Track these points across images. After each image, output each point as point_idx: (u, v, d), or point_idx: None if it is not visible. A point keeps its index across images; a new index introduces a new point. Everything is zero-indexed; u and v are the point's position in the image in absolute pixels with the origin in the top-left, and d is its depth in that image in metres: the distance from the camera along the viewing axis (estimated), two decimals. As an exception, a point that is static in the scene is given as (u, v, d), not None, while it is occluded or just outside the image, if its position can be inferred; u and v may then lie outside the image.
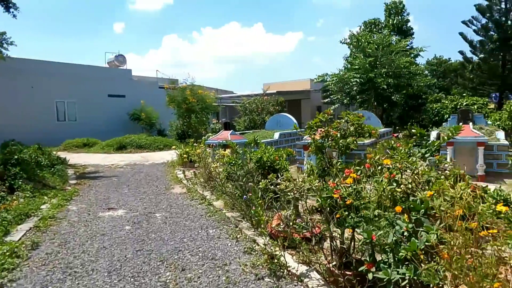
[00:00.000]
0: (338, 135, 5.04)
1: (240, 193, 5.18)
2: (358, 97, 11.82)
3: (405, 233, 2.27)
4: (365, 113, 10.53)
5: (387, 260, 2.37)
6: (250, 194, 4.77)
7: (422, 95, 12.34)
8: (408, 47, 12.94)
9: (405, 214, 2.51)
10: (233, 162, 5.98)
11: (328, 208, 3.16)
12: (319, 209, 4.75)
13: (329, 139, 5.11)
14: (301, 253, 3.70)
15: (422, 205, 2.42)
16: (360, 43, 12.18)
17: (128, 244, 4.26)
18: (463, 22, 17.50)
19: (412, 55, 12.39)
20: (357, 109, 12.50)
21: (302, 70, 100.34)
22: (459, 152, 7.72)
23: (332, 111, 6.49)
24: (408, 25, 16.33)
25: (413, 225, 2.32)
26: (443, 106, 11.71)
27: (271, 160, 5.82)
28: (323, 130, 5.19)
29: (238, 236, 4.40)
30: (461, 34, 17.55)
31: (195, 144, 10.72)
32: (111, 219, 5.32)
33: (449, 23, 62.89)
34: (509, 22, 15.70)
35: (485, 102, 11.51)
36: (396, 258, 2.27)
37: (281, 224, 4.24)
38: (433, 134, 8.89)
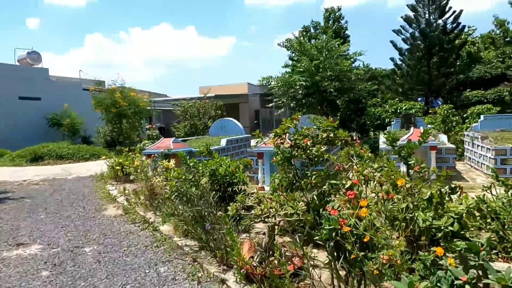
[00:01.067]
0: (309, 143, 4.40)
1: (195, 216, 4.25)
2: (304, 100, 11.50)
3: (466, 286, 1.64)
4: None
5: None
6: (209, 219, 3.89)
7: (362, 99, 12.53)
8: (345, 53, 13.03)
9: (448, 257, 1.89)
10: (183, 177, 5.01)
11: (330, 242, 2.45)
12: (290, 230, 4.06)
13: (298, 148, 4.45)
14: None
15: (483, 245, 1.81)
16: (303, 46, 11.95)
17: (46, 301, 3.08)
18: (394, 31, 18.67)
19: (352, 59, 12.49)
20: (306, 113, 12.21)
21: (236, 74, 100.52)
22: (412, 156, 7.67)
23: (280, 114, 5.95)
24: (345, 32, 16.73)
25: (474, 274, 1.70)
26: (383, 110, 12.04)
27: (229, 173, 4.98)
28: (284, 138, 4.52)
29: (200, 275, 3.47)
30: (392, 42, 18.69)
31: (129, 153, 9.41)
32: (21, 262, 3.98)
33: (380, 34, 67.49)
34: (433, 33, 17.04)
35: (421, 107, 12.10)
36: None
37: (255, 256, 3.43)
38: (382, 138, 8.82)
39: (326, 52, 11.66)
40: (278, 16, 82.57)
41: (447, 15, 18.05)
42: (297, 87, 11.85)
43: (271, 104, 12.59)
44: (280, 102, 12.40)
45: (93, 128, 17.78)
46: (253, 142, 10.37)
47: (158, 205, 5.61)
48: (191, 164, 5.35)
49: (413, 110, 11.66)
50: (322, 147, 4.25)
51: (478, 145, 8.48)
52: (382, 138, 8.77)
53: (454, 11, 17.98)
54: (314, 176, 4.12)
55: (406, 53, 17.72)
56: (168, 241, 4.44)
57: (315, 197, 4.06)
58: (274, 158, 4.78)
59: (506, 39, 21.64)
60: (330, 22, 18.64)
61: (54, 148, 13.73)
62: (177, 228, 4.72)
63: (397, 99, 12.99)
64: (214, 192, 4.84)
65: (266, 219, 3.40)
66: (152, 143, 11.24)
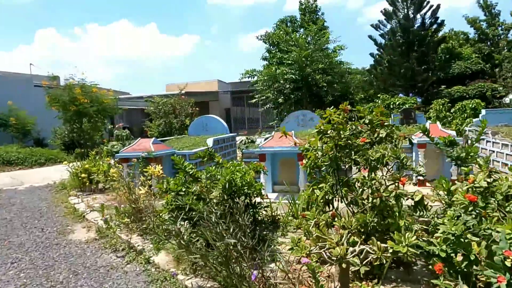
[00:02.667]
0: (360, 143, 3.34)
1: (212, 244, 3.05)
2: (292, 96, 10.51)
3: None
4: (307, 114, 9.26)
5: None
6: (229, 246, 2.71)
7: (350, 94, 11.78)
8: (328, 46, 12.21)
9: None
10: (184, 190, 3.76)
11: None
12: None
13: (344, 149, 3.37)
14: None
15: None
16: (292, 37, 10.97)
17: None
18: (372, 25, 18.26)
19: (336, 52, 11.69)
20: (291, 110, 11.21)
21: (201, 73, 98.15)
22: (428, 154, 6.91)
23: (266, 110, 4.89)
24: (323, 24, 15.96)
25: None
26: (375, 106, 11.35)
27: (246, 183, 3.81)
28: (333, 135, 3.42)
29: None
30: (370, 37, 18.29)
31: (97, 157, 7.91)
32: None
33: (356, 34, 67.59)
34: (412, 27, 16.81)
35: (414, 101, 11.56)
36: None
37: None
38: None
39: (314, 44, 10.78)
40: (240, 16, 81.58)
41: (424, 10, 17.87)
42: (284, 81, 10.83)
43: (254, 100, 11.48)
44: (264, 98, 11.33)
45: (49, 129, 15.69)
46: (238, 141, 9.20)
47: (146, 225, 4.30)
48: (191, 172, 4.11)
49: (407, 105, 11.12)
50: (386, 146, 3.19)
51: (487, 141, 7.91)
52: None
53: (431, 5, 17.87)
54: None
55: (385, 48, 17.34)
56: (170, 280, 3.19)
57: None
58: (304, 161, 3.70)
59: (481, 36, 22.17)
60: (307, 15, 17.87)
61: (0, 152, 11.68)
62: (180, 259, 3.47)
63: (385, 95, 12.41)
64: (223, 208, 3.66)
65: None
66: (122, 145, 9.73)
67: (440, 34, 18.95)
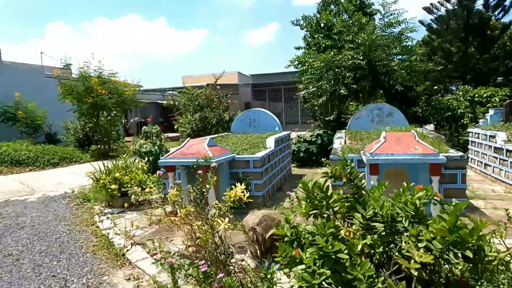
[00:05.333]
0: None
1: None
2: (355, 86, 8.70)
3: None
4: (384, 107, 7.44)
5: None
6: None
7: (414, 85, 9.92)
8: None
9: None
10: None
11: None
12: None
13: None
14: None
15: None
16: (353, 17, 9.11)
17: None
18: (424, 8, 16.24)
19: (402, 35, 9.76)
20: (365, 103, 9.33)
21: (208, 67, 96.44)
22: None
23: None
24: (371, 9, 13.97)
25: None
26: (453, 99, 9.49)
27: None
28: None
29: None
30: (420, 22, 16.29)
31: (126, 158, 6.26)
32: None
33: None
34: (474, 9, 14.75)
35: (506, 93, 9.63)
36: None
37: None
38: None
39: (383, 26, 8.93)
40: (249, 10, 79.55)
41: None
42: (341, 68, 9.02)
43: (303, 92, 9.69)
44: (315, 89, 9.52)
45: (60, 123, 14.10)
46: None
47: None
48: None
49: (497, 98, 9.29)
50: None
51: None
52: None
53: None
54: None
55: (441, 34, 15.27)
56: None
57: None
58: None
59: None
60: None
61: (8, 150, 10.10)
62: None
63: (467, 86, 10.52)
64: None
65: None
66: (152, 143, 8.04)
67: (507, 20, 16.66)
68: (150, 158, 8.04)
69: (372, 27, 8.70)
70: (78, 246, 4.03)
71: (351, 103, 13.17)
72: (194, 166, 4.60)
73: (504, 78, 14.51)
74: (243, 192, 3.31)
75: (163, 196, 4.13)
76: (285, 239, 2.19)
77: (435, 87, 11.79)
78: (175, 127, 11.33)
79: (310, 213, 2.33)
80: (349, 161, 2.51)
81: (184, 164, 4.76)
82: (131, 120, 24.15)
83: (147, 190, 5.34)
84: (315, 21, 11.91)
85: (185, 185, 5.25)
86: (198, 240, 3.25)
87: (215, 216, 3.25)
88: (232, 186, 3.89)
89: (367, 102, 9.66)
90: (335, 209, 2.22)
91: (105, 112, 12.58)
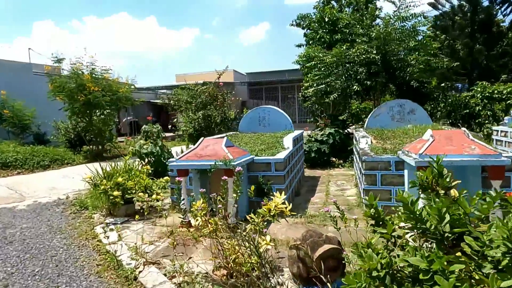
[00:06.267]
0: None
1: None
2: (368, 82, 8.19)
3: None
4: (406, 104, 6.95)
5: None
6: None
7: (425, 81, 9.46)
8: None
9: None
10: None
11: None
12: None
13: None
14: None
15: None
16: (363, 5, 8.65)
17: None
18: (429, 3, 15.85)
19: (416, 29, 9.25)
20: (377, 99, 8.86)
21: (200, 66, 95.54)
22: None
23: None
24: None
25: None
26: (470, 96, 9.07)
27: None
28: None
29: None
30: (425, 17, 15.76)
31: (130, 161, 5.64)
32: None
33: None
34: (480, 4, 14.41)
35: None
36: None
37: None
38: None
39: (397, 19, 8.44)
40: (240, 9, 79.04)
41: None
42: (352, 63, 8.51)
43: (312, 89, 9.15)
44: (323, 85, 8.98)
45: (50, 123, 13.31)
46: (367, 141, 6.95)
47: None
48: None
49: None
50: None
51: None
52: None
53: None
54: None
55: (446, 30, 14.88)
56: None
57: None
58: None
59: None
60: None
61: (-6, 152, 9.34)
62: None
63: (485, 82, 10.12)
64: None
65: None
66: (154, 144, 7.41)
67: None
68: (151, 159, 7.42)
69: (387, 19, 8.21)
70: (79, 266, 3.41)
71: (353, 101, 12.68)
72: (212, 170, 4.03)
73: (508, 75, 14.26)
74: (284, 203, 2.75)
75: (171, 203, 3.51)
76: (372, 273, 1.63)
77: (442, 84, 11.37)
78: (168, 126, 10.64)
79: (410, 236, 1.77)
80: (442, 167, 1.95)
81: (200, 167, 4.17)
82: (123, 120, 23.31)
83: (154, 196, 4.77)
84: (317, 17, 11.38)
85: (197, 191, 4.66)
86: (231, 260, 2.68)
87: (251, 231, 2.68)
88: (249, 191, 3.34)
89: (378, 99, 9.18)
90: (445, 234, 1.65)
91: (98, 110, 11.87)
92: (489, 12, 14.46)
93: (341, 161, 8.46)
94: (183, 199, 4.34)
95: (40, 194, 6.50)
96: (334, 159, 8.75)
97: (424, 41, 8.63)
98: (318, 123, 9.34)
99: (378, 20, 9.64)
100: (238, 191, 3.54)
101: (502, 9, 15.41)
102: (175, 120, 23.40)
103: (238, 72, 27.25)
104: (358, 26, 8.70)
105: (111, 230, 4.30)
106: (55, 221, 4.86)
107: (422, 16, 8.87)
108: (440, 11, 15.80)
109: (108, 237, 3.60)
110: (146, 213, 3.99)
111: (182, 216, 3.73)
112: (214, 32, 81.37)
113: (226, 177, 4.09)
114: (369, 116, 7.04)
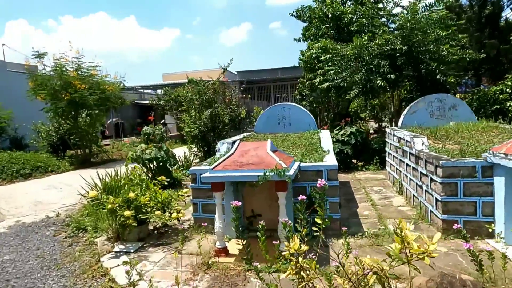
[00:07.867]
0: None
1: None
2: (393, 76, 7.40)
3: None
4: (447, 99, 6.19)
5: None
6: None
7: (443, 75, 8.78)
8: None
9: None
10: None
11: None
12: None
13: None
14: None
15: None
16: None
17: None
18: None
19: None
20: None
21: (183, 66, 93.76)
22: None
23: None
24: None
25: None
26: (498, 90, 8.44)
27: None
28: None
29: None
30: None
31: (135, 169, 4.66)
32: None
33: None
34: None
35: None
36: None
37: None
38: None
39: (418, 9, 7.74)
40: (222, 10, 78.11)
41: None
42: (372, 57, 7.73)
43: (325, 84, 8.30)
44: (340, 80, 8.16)
45: (29, 125, 11.98)
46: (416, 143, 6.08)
47: None
48: None
49: None
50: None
51: None
52: None
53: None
54: None
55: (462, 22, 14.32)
56: None
57: None
58: None
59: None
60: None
61: (-35, 161, 8.05)
62: None
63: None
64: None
65: None
66: (157, 148, 6.38)
67: None
68: (155, 165, 6.39)
69: (416, 7, 7.46)
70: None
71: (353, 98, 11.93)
72: (260, 182, 3.09)
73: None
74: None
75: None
76: None
77: (452, 81, 10.80)
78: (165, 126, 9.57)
79: None
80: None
81: (243, 179, 3.21)
82: (108, 121, 21.89)
83: (174, 215, 3.81)
84: (318, 11, 10.55)
85: (229, 208, 3.71)
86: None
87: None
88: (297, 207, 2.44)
89: (401, 93, 8.45)
90: None
91: (85, 110, 10.68)
92: (500, 4, 14.09)
93: (363, 164, 7.69)
94: (219, 220, 3.39)
95: (23, 211, 5.37)
96: (355, 161, 7.96)
97: (454, 32, 7.97)
98: (334, 123, 8.51)
99: (397, 9, 8.93)
100: (301, 209, 2.62)
101: (508, 2, 15.07)
102: (163, 121, 22.08)
103: (228, 71, 26.25)
104: (379, 16, 7.92)
105: (125, 263, 3.29)
106: (46, 250, 3.80)
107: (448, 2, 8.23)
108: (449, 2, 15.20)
109: (129, 275, 2.61)
110: (155, 233, 3.01)
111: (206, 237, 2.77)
112: (196, 32, 79.95)
113: (279, 192, 3.20)
114: (404, 113, 6.24)
